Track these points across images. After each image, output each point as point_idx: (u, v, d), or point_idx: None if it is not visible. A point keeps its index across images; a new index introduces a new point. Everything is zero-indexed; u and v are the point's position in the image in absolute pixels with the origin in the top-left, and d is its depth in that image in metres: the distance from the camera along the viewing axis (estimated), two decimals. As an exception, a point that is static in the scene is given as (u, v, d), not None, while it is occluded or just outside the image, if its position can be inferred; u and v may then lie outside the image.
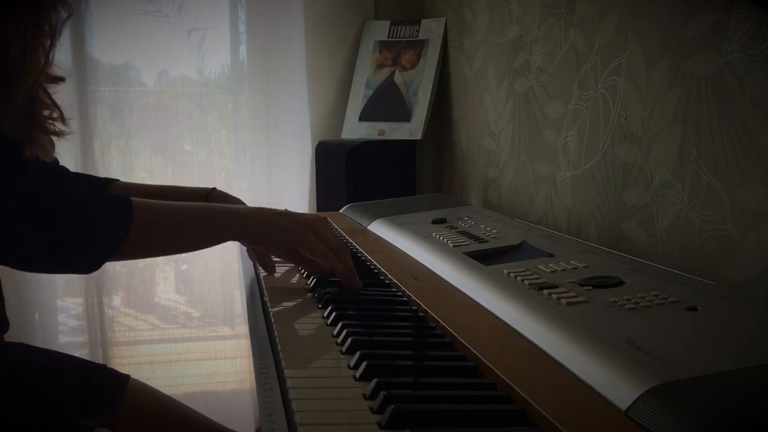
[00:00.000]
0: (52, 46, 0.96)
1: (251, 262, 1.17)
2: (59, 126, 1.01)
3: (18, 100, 0.92)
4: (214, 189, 1.29)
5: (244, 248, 1.20)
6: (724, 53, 1.01)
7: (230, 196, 1.29)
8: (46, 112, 1.00)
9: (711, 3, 1.04)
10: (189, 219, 0.98)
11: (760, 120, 0.96)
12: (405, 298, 0.97)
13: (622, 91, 1.25)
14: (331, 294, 0.96)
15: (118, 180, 1.33)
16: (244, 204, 1.25)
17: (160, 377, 2.29)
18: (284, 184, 2.27)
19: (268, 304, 0.95)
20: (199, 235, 1.01)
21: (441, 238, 1.21)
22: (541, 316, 0.76)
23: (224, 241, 1.03)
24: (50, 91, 1.01)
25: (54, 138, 1.02)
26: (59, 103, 1.01)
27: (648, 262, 0.96)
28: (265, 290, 1.02)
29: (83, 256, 0.91)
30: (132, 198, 0.94)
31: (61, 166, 1.30)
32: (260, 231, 1.01)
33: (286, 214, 1.05)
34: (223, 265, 2.34)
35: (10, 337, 1.07)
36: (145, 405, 1.15)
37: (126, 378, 1.16)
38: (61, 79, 1.04)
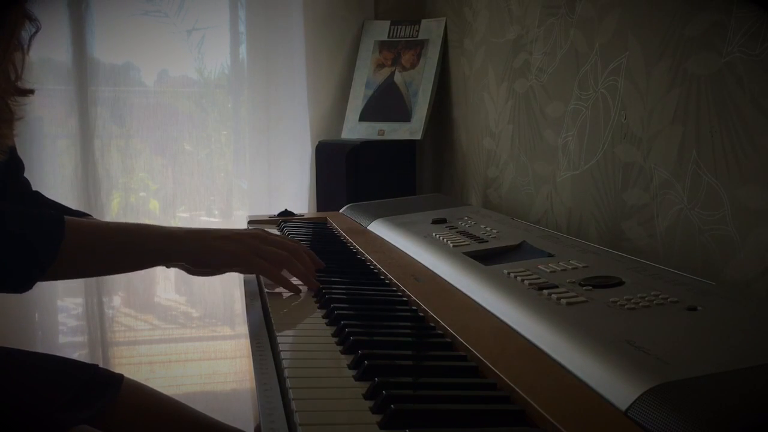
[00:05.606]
0: (22, 61, 0.95)
1: None
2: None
3: None
4: None
5: None
6: (724, 53, 1.01)
7: None
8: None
9: (711, 3, 1.04)
10: (123, 240, 0.95)
11: (760, 120, 0.96)
12: (405, 298, 0.96)
13: (622, 91, 1.25)
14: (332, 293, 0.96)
15: (91, 216, 1.27)
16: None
17: (159, 377, 2.29)
18: (284, 184, 2.27)
19: (268, 304, 0.95)
20: (134, 257, 0.97)
21: (441, 238, 1.21)
22: (540, 316, 0.76)
23: (164, 264, 1.00)
24: (22, 102, 0.99)
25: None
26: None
27: (648, 262, 0.96)
28: (264, 290, 1.02)
29: (11, 274, 0.90)
30: (66, 216, 0.91)
31: (35, 192, 1.27)
32: (202, 256, 0.98)
33: (227, 237, 0.99)
34: (223, 265, 2.33)
35: (9, 337, 1.07)
36: (140, 404, 1.15)
37: (119, 377, 1.15)
38: (30, 92, 1.02)
